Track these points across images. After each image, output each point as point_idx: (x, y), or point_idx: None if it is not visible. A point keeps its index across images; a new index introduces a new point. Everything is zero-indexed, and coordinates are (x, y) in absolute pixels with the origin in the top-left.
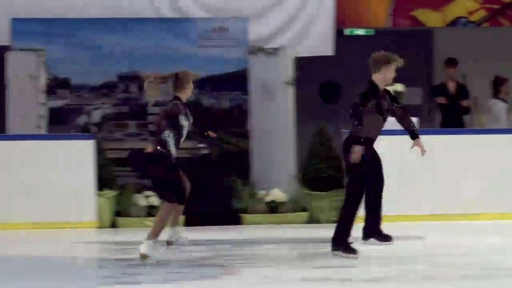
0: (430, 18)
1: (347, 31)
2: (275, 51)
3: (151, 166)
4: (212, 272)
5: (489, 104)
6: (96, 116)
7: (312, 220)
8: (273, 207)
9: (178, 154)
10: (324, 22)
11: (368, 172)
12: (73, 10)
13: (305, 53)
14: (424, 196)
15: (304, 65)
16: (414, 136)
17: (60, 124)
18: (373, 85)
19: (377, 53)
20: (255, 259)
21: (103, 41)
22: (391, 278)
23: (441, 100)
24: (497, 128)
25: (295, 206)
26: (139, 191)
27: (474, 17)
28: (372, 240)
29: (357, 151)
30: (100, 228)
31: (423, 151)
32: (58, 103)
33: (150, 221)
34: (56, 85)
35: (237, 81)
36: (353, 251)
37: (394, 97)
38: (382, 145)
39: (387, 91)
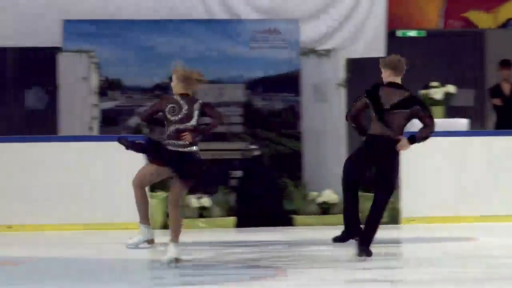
0: (482, 19)
1: (399, 33)
2: (327, 52)
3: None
4: (263, 273)
5: None
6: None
7: (363, 221)
8: (325, 208)
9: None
10: (376, 23)
11: None
12: (124, 11)
13: (357, 54)
14: (480, 197)
15: (356, 66)
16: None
17: (112, 125)
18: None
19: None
20: (306, 260)
21: (154, 42)
22: (441, 280)
23: (497, 101)
24: None
25: None
26: (191, 192)
27: None
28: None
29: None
30: (152, 229)
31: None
32: (109, 104)
33: (202, 223)
34: (107, 87)
35: (289, 82)
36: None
37: None
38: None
39: None
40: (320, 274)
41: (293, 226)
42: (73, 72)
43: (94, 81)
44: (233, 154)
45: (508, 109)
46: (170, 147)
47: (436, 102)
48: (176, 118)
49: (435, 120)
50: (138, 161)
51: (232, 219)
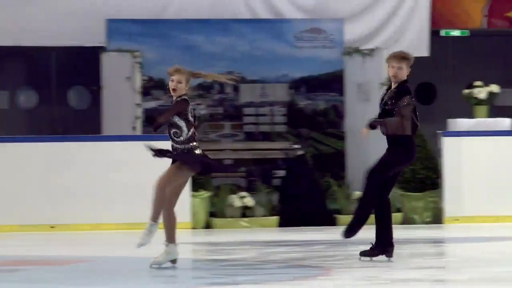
0: None
1: (442, 32)
2: (370, 52)
3: None
4: (306, 272)
5: None
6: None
7: (407, 220)
8: None
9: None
10: (419, 23)
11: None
12: (169, 11)
13: None
14: None
15: None
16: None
17: None
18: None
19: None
20: (350, 260)
21: (198, 42)
22: (485, 280)
23: None
24: None
25: None
26: (234, 191)
27: None
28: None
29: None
30: (195, 228)
31: (362, 136)
32: (152, 104)
33: (245, 222)
34: (151, 86)
35: (332, 82)
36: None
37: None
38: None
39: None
40: (364, 274)
41: (336, 225)
42: (117, 71)
43: (138, 80)
44: (276, 153)
45: None
46: (197, 151)
47: (479, 102)
48: (193, 120)
49: (480, 119)
50: None
51: (275, 219)
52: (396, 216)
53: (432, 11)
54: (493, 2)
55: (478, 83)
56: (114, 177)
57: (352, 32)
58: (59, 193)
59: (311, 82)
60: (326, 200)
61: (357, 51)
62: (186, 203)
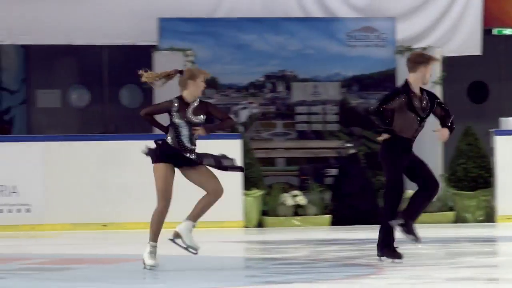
0: None
1: (495, 31)
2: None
3: None
4: (359, 271)
5: None
6: (243, 115)
7: (459, 219)
8: None
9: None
10: (472, 21)
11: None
12: (220, 10)
13: (453, 52)
14: None
15: (452, 64)
16: (444, 126)
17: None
18: (406, 84)
19: (414, 52)
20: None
21: (250, 41)
22: None
23: None
24: None
25: (442, 205)
26: (286, 190)
27: None
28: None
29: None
30: (247, 227)
31: (441, 137)
32: None
33: (297, 221)
34: None
35: (385, 80)
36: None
37: (435, 97)
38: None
39: (426, 91)
40: (417, 272)
41: None
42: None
43: None
44: (328, 152)
45: None
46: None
47: None
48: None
49: None
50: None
51: (327, 217)
52: (448, 215)
53: (484, 10)
54: None
55: None
56: None
57: (404, 31)
58: (111, 192)
59: (363, 80)
60: (378, 199)
61: (410, 49)
62: (239, 202)
